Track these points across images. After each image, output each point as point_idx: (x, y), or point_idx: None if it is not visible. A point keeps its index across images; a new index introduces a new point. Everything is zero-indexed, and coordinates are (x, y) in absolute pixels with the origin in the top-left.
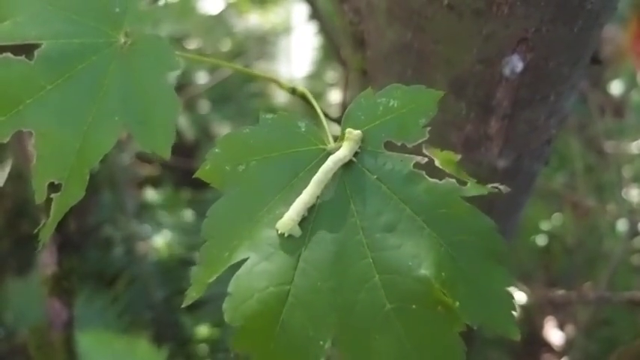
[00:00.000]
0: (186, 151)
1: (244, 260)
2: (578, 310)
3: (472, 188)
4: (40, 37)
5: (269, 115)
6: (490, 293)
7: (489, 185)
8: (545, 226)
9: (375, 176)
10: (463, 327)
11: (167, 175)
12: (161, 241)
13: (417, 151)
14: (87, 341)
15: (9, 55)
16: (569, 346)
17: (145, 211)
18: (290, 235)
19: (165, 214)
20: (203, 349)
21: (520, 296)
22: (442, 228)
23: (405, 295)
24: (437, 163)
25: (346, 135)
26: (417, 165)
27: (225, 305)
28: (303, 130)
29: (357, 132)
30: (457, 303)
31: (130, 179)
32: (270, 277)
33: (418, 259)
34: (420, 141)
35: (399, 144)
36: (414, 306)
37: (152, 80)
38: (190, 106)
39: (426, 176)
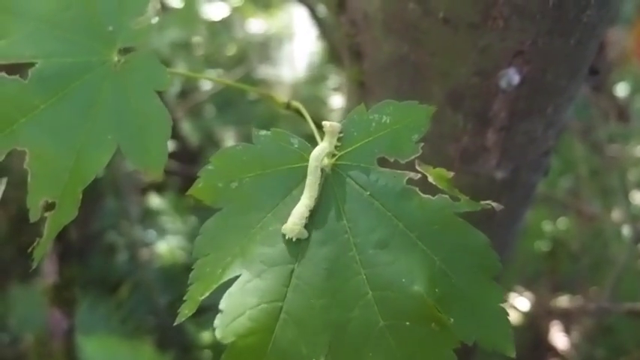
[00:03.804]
0: (190, 157)
1: (237, 277)
2: (583, 315)
3: (465, 204)
4: (35, 56)
5: (262, 132)
6: (484, 310)
7: (483, 202)
8: (550, 231)
9: (368, 192)
10: (457, 344)
11: (171, 181)
12: (165, 247)
13: (410, 166)
14: (91, 347)
15: (3, 74)
16: (574, 351)
17: (148, 217)
18: (282, 252)
19: (168, 220)
20: (207, 354)
21: (524, 302)
22: (436, 244)
23: (398, 311)
24: (430, 179)
25: (325, 128)
26: (410, 181)
27: (216, 322)
28: (296, 146)
29: (336, 124)
30: (451, 319)
31: (134, 185)
32: (263, 294)
33: (412, 276)
34: (413, 157)
35: (392, 160)
36: (407, 323)
37: (145, 99)
38: (194, 112)
39: (420, 192)
